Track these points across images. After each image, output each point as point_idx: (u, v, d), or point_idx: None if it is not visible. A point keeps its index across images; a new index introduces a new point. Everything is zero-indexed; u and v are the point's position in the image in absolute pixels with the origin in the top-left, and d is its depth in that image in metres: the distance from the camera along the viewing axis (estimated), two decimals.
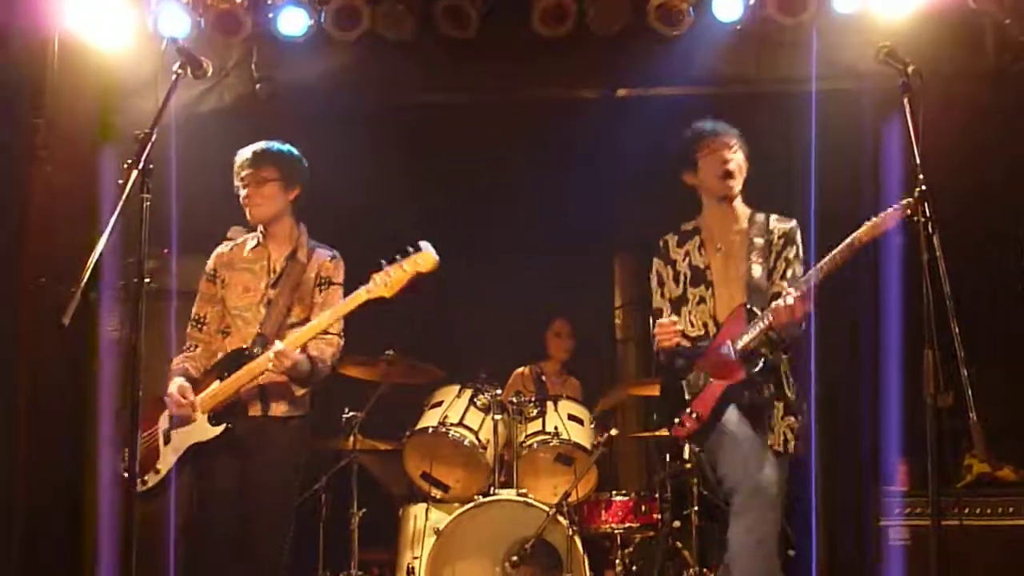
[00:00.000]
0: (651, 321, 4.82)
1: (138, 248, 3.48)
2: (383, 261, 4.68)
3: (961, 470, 5.63)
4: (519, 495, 5.96)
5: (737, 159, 4.76)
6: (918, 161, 3.26)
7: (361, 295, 4.68)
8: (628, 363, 8.75)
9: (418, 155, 7.30)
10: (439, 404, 6.30)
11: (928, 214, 3.23)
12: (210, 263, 5.10)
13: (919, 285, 3.55)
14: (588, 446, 6.19)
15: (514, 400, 6.35)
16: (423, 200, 7.47)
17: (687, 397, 4.70)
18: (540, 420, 6.28)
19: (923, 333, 3.35)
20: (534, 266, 7.84)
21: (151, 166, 3.44)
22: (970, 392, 3.03)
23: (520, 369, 7.38)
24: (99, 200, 5.23)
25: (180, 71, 3.87)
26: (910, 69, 3.45)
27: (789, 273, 4.69)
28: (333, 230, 5.26)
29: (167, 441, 4.83)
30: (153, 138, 3.46)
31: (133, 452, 3.58)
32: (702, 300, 4.77)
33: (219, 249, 5.16)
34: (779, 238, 4.74)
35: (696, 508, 6.12)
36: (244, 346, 4.81)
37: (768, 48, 6.21)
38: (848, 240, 4.21)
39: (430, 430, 6.16)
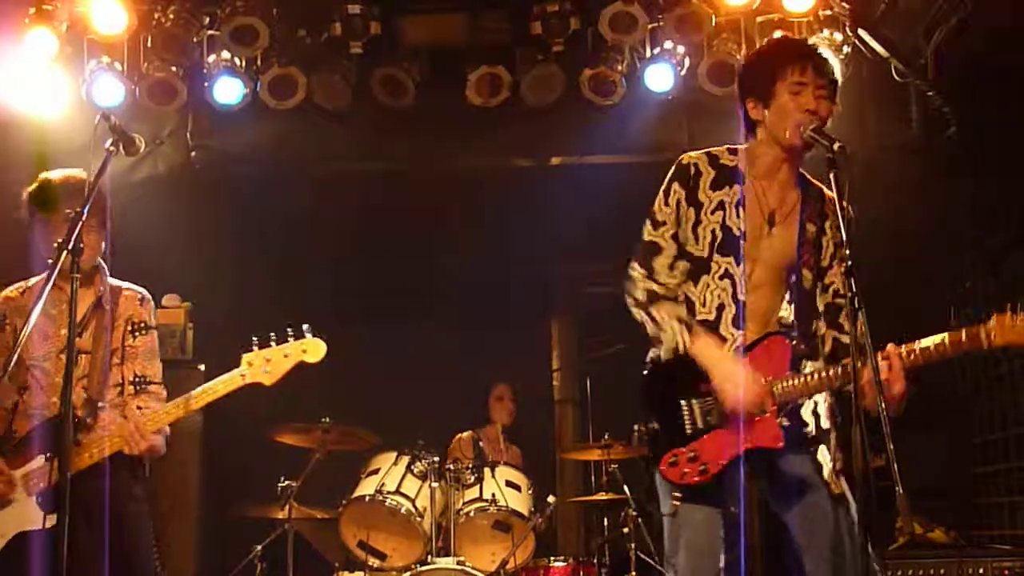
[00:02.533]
0: (643, 246, 3.70)
1: (70, 321, 3.43)
2: (265, 339, 4.12)
3: (894, 532, 5.70)
4: (457, 563, 5.90)
5: (827, 106, 3.55)
6: (844, 236, 3.29)
7: (236, 379, 4.09)
8: (566, 425, 8.76)
9: (352, 223, 7.31)
10: (376, 472, 6.26)
11: (853, 290, 3.26)
12: None
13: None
14: (526, 512, 6.18)
15: (451, 467, 6.32)
16: (358, 267, 7.47)
17: (686, 429, 3.53)
18: (478, 487, 6.26)
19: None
20: (471, 332, 7.86)
21: (81, 246, 3.41)
22: (896, 466, 3.05)
23: (460, 435, 7.37)
24: (31, 272, 5.16)
25: (112, 148, 3.75)
26: (836, 146, 3.48)
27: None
28: (267, 295, 5.23)
29: None
30: (83, 218, 3.42)
31: None
32: (726, 275, 3.61)
33: (6, 291, 4.43)
34: (843, 221, 3.24)
35: (634, 574, 6.14)
36: (78, 414, 4.08)
37: (699, 117, 6.35)
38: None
39: (367, 498, 6.12)
